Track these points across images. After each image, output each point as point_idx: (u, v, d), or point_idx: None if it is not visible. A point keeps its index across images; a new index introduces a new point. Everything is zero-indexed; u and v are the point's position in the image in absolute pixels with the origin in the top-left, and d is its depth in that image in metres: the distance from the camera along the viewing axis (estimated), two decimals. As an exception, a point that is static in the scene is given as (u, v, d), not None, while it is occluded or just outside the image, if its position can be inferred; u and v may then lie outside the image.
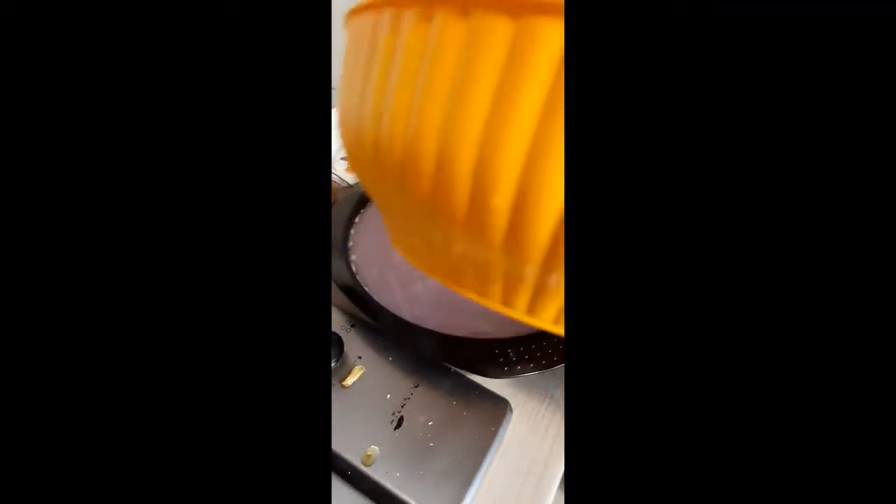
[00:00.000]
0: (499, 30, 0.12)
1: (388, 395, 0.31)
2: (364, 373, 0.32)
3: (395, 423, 0.30)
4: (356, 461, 0.28)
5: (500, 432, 0.30)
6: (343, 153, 0.53)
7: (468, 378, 0.32)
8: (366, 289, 0.38)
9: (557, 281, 0.15)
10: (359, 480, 0.28)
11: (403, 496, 0.27)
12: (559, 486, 0.30)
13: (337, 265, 0.40)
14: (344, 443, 0.29)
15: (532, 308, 0.17)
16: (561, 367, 0.32)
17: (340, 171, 0.52)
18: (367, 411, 0.31)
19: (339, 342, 0.33)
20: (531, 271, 0.15)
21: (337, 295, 0.38)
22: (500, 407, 0.31)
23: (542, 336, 0.33)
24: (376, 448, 0.29)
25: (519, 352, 0.32)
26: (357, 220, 0.46)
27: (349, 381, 0.32)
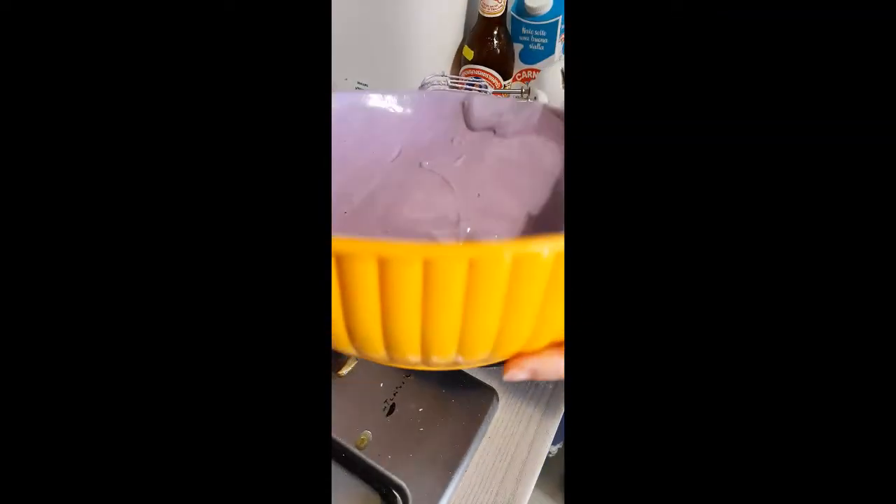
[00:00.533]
0: (370, 270, 0.16)
1: (381, 384, 0.33)
2: (358, 363, 0.34)
3: (387, 410, 0.32)
4: (350, 445, 0.30)
5: (487, 419, 0.32)
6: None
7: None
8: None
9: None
10: (352, 463, 0.29)
11: (394, 478, 0.29)
12: (542, 470, 0.31)
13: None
14: (339, 428, 0.31)
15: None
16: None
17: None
18: (361, 399, 0.32)
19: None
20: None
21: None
22: (487, 395, 0.33)
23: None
24: (369, 433, 0.31)
25: (505, 343, 0.34)
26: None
27: (344, 371, 0.34)
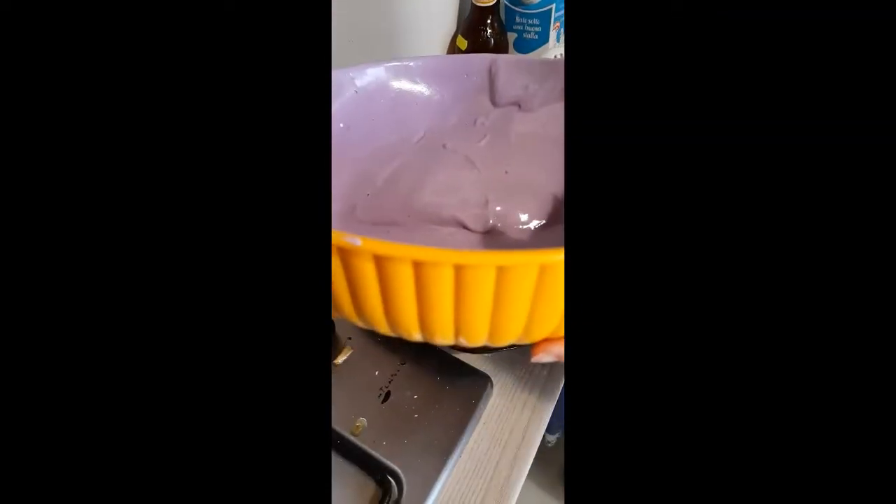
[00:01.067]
0: (405, 271, 0.17)
1: (377, 372, 0.33)
2: (353, 352, 0.34)
3: (382, 398, 0.32)
4: (345, 432, 0.30)
5: (481, 405, 0.32)
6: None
7: (451, 356, 0.34)
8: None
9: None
10: (348, 449, 0.30)
11: (390, 464, 0.29)
12: (540, 461, 0.31)
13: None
14: (334, 415, 0.31)
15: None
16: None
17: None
18: (356, 386, 0.32)
19: (331, 324, 0.35)
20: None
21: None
22: (481, 381, 0.33)
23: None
24: (364, 420, 0.31)
25: (499, 330, 0.34)
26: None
27: (340, 359, 0.34)
